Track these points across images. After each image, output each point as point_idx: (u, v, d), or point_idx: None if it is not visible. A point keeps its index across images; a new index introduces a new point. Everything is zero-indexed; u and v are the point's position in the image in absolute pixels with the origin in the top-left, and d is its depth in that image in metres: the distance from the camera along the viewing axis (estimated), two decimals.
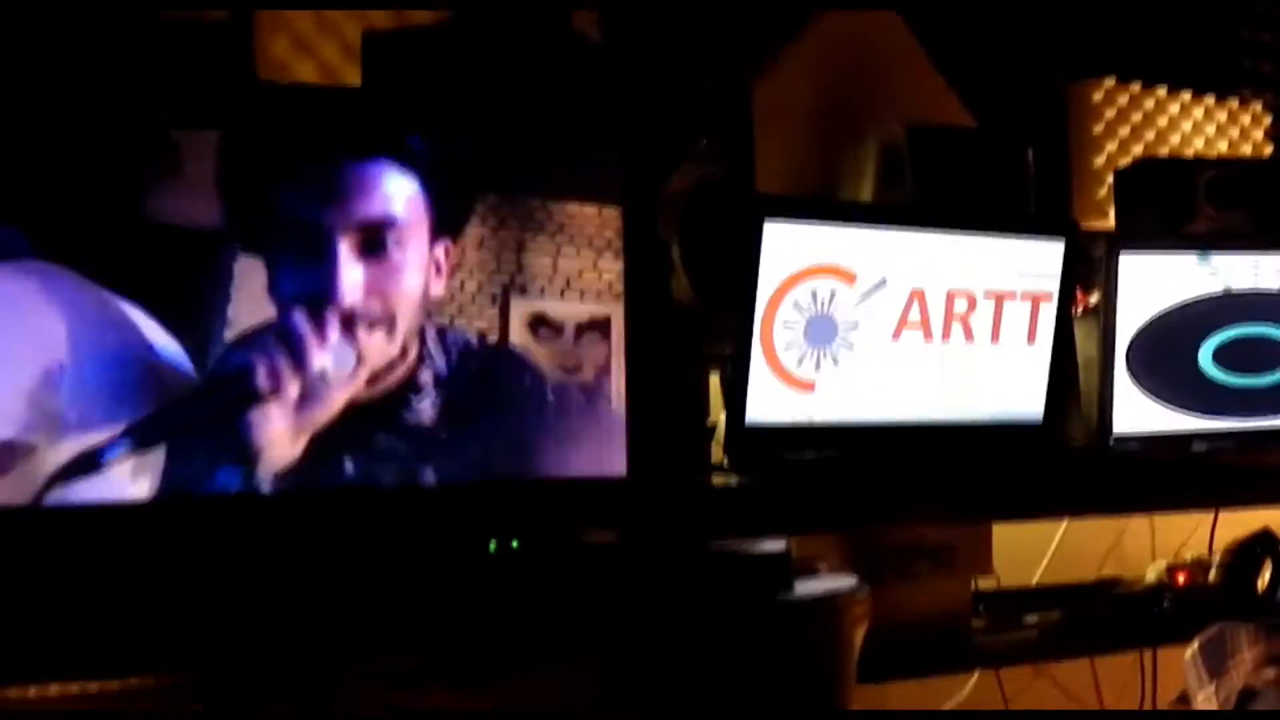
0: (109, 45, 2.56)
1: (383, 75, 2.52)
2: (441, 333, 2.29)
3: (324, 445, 2.19)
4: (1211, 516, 3.45)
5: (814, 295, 2.70)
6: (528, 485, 2.27)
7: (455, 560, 2.13)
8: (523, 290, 2.32)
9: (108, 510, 2.05)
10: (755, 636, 2.22)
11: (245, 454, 2.14)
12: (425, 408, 2.26)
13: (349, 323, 2.21)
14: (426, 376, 2.27)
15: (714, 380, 2.78)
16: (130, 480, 2.06)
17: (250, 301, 2.14)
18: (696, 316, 2.67)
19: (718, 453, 2.67)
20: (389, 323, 2.25)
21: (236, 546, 2.10)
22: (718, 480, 2.65)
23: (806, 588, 2.37)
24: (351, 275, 2.21)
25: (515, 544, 2.18)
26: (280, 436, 2.17)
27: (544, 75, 2.49)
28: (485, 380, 2.30)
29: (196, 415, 2.11)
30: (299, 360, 2.17)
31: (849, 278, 2.73)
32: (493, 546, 2.14)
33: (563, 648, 2.07)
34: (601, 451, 2.33)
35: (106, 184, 2.08)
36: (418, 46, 2.55)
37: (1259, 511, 3.32)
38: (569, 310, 2.34)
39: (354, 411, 2.21)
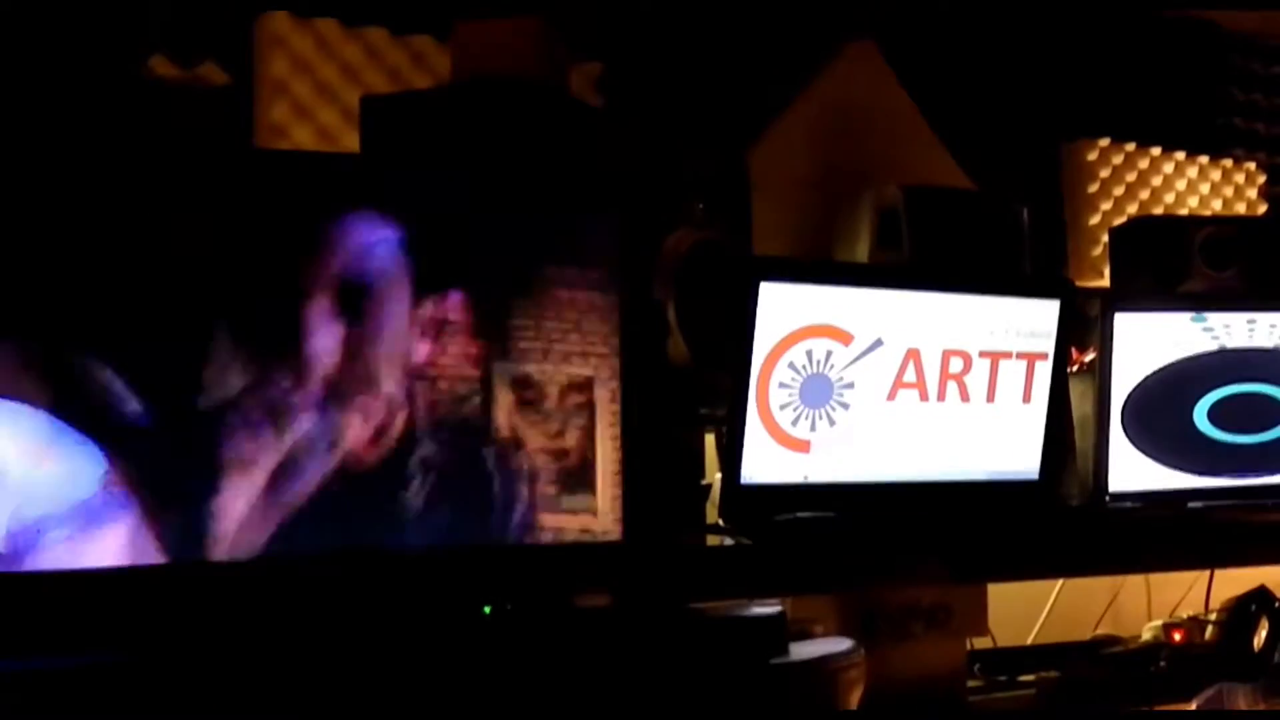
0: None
1: (381, 139, 2.53)
2: (426, 404, 2.21)
3: (297, 525, 2.09)
4: (1207, 574, 3.46)
5: (809, 355, 2.71)
6: (518, 550, 2.25)
7: (448, 626, 2.12)
8: (506, 354, 2.27)
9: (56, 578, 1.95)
10: (750, 702, 2.22)
11: (210, 535, 2.03)
12: (411, 483, 2.18)
13: (328, 390, 2.12)
14: (411, 448, 2.19)
15: (709, 441, 2.79)
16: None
17: (223, 367, 2.05)
18: (691, 377, 2.68)
19: (713, 513, 2.68)
20: (371, 389, 2.16)
21: (205, 617, 2.02)
22: (712, 541, 2.65)
23: (801, 651, 2.36)
24: (330, 339, 2.13)
25: (487, 610, 2.15)
26: (248, 519, 2.07)
27: (540, 138, 2.50)
28: (471, 451, 2.24)
29: (158, 493, 2.00)
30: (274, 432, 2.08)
31: (845, 338, 2.75)
32: (487, 610, 2.14)
33: (555, 712, 2.07)
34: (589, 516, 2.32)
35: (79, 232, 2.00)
36: (416, 110, 2.57)
37: (1255, 569, 3.32)
38: (554, 373, 2.32)
39: (333, 485, 2.12)
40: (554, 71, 2.68)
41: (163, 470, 2.01)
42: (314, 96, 2.91)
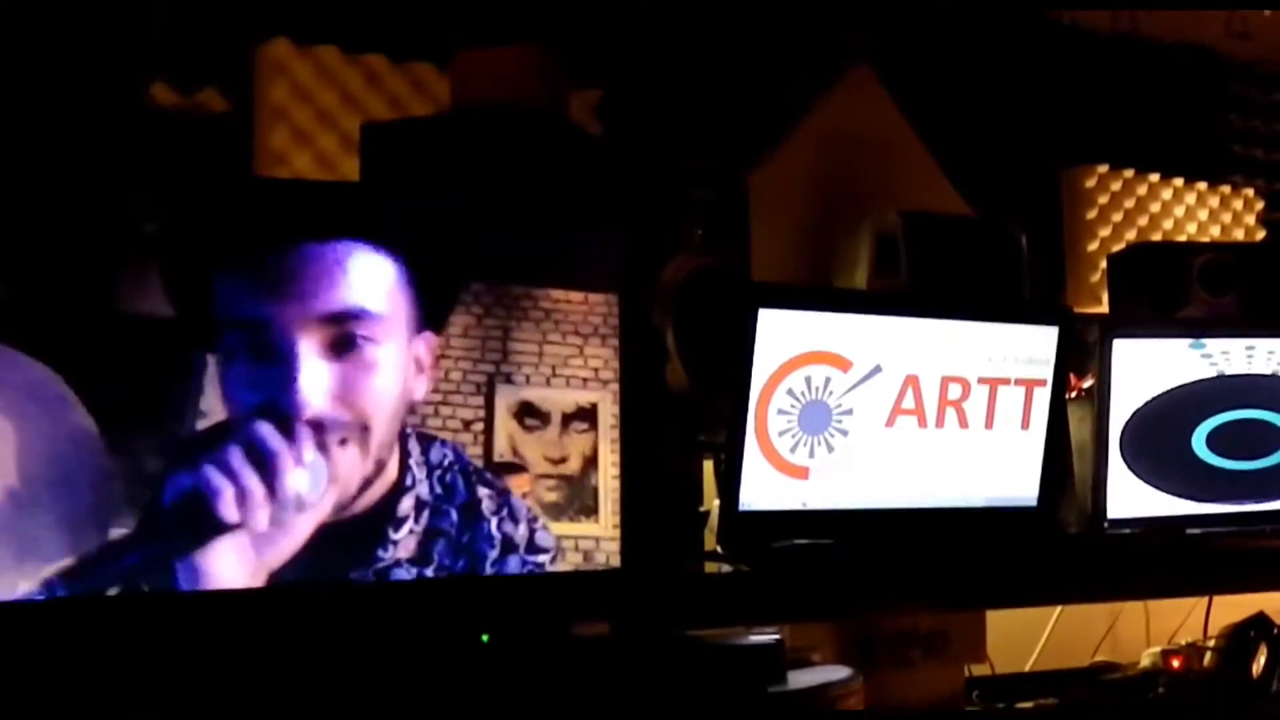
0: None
1: (381, 166, 2.54)
2: (423, 439, 2.17)
3: (289, 573, 2.04)
4: (1206, 601, 3.46)
5: (808, 382, 2.71)
6: (517, 578, 2.24)
7: (447, 655, 2.12)
8: (509, 379, 2.26)
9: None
10: None
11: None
12: (411, 511, 2.14)
13: (319, 434, 2.04)
14: (407, 492, 2.15)
15: (708, 467, 2.80)
16: None
17: (209, 409, 2.00)
18: (690, 404, 2.69)
19: (711, 540, 2.68)
20: (363, 432, 2.09)
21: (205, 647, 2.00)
22: (711, 568, 2.65)
23: (800, 679, 2.37)
24: (319, 378, 2.05)
25: (486, 638, 2.13)
26: (238, 571, 2.01)
27: (540, 166, 2.51)
28: (470, 491, 2.21)
29: (142, 552, 1.94)
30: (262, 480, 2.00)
31: (843, 364, 2.74)
32: (485, 639, 2.13)
33: None
34: (591, 543, 2.32)
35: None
36: (416, 137, 2.58)
37: (1254, 596, 3.32)
38: (557, 398, 2.31)
39: (325, 535, 2.06)
40: (554, 98, 2.69)
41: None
42: (314, 123, 2.92)
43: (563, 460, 2.29)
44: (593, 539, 2.30)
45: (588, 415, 2.33)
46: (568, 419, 2.31)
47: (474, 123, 2.55)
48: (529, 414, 2.27)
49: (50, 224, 1.97)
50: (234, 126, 2.88)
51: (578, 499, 2.31)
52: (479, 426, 2.23)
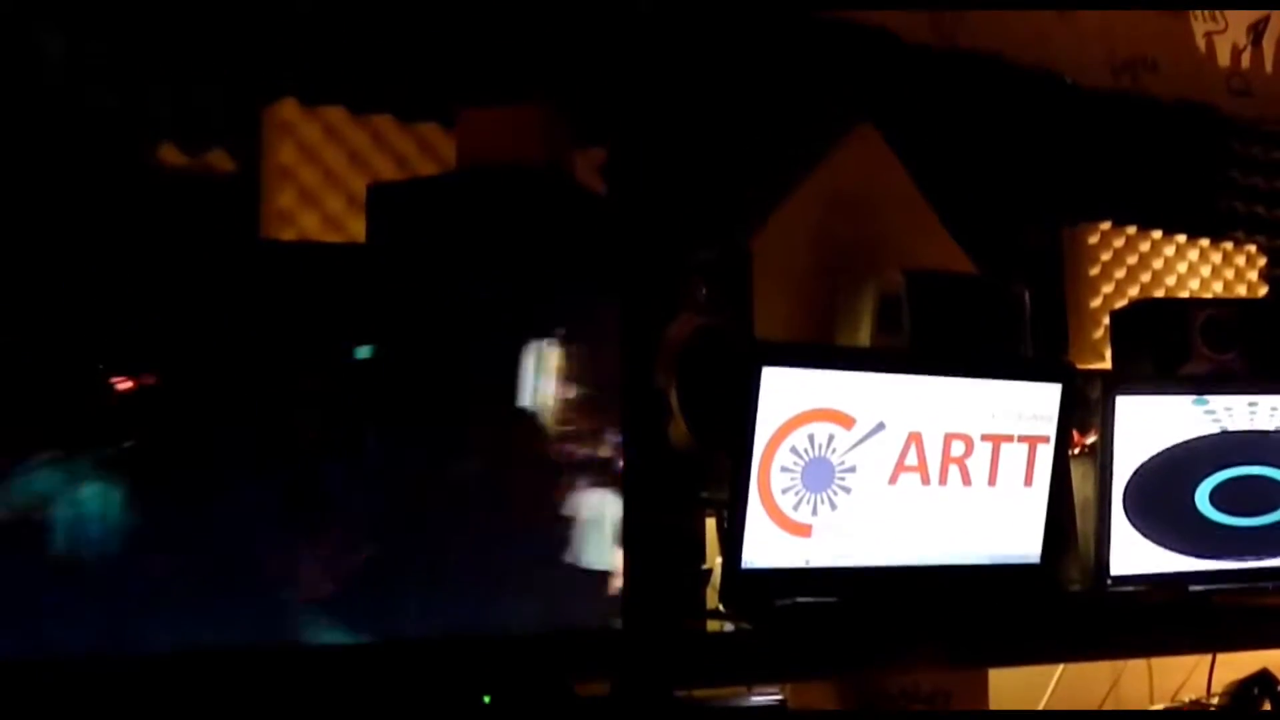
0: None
1: (387, 226, 2.55)
2: (434, 489, 2.24)
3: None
4: (1210, 658, 3.45)
5: (811, 439, 2.71)
6: (518, 638, 2.26)
7: (449, 715, 2.12)
8: (511, 439, 2.29)
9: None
10: None
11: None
12: (414, 571, 2.20)
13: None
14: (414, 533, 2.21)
15: (710, 524, 2.80)
16: None
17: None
18: (693, 462, 2.69)
19: (713, 598, 2.68)
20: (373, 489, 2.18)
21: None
22: (713, 626, 2.65)
23: None
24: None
25: (488, 699, 2.14)
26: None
27: (544, 225, 2.52)
28: (476, 535, 2.25)
29: None
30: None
31: (846, 422, 2.75)
32: (487, 700, 2.14)
33: None
34: (594, 601, 2.33)
35: None
36: (422, 197, 2.59)
37: (1257, 653, 3.31)
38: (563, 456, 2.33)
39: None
40: (559, 157, 2.70)
41: None
42: (321, 183, 2.93)
43: (570, 518, 2.34)
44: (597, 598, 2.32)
45: (594, 471, 2.37)
46: (572, 475, 2.34)
47: (479, 183, 2.56)
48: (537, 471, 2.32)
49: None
50: (241, 187, 2.90)
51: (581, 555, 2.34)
52: (484, 488, 2.29)
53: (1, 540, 1.94)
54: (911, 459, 2.83)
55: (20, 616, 1.95)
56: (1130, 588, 3.11)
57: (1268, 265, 4.33)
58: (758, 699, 2.37)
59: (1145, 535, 3.11)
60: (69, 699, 1.95)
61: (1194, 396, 3.16)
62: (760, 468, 2.65)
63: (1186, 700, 3.39)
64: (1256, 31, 4.61)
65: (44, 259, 2.02)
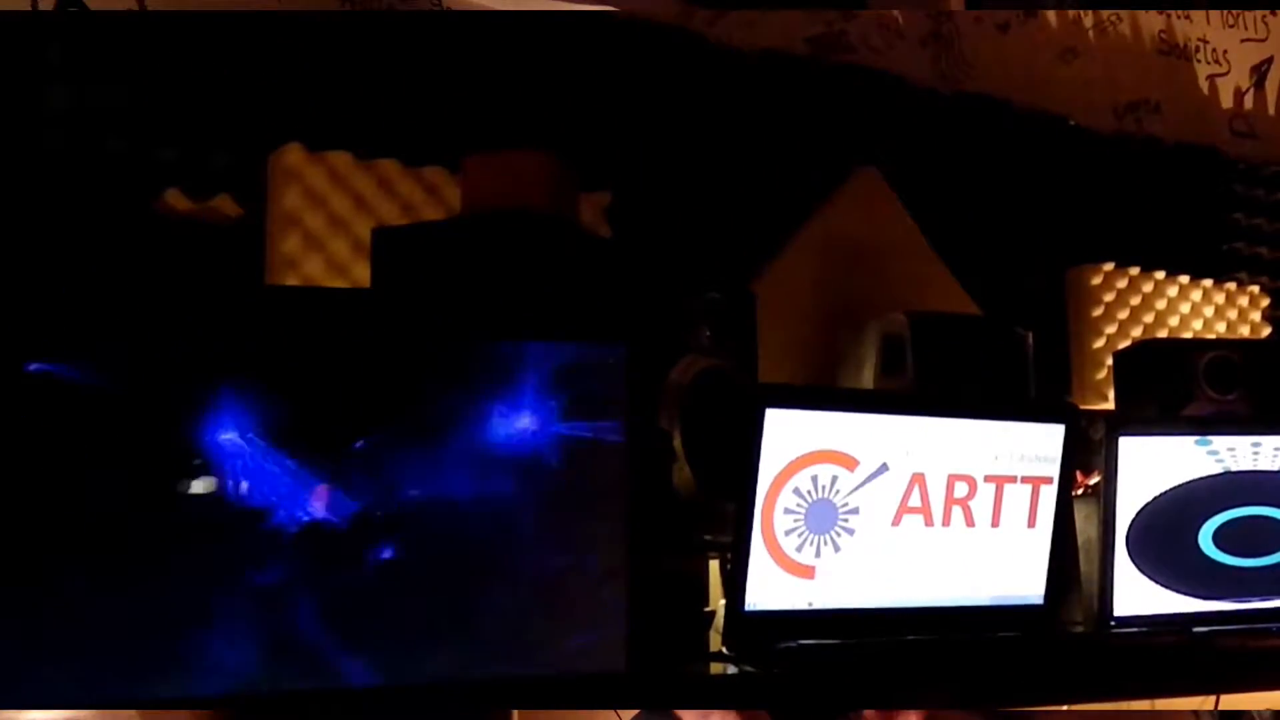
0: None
1: (392, 271, 2.56)
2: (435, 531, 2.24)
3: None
4: (1213, 700, 3.43)
5: (815, 481, 2.72)
6: (524, 679, 2.26)
7: None
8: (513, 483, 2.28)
9: None
10: None
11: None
12: (419, 614, 2.21)
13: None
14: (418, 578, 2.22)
15: (713, 567, 2.80)
16: None
17: None
18: (697, 504, 2.70)
19: (716, 640, 2.68)
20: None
21: None
22: (716, 669, 2.65)
23: None
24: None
25: None
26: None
27: (549, 269, 2.53)
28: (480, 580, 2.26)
29: None
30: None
31: (850, 463, 2.76)
32: None
33: None
34: (600, 645, 2.33)
35: None
36: (427, 242, 2.60)
37: (1261, 694, 3.30)
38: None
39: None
40: (563, 202, 2.71)
41: None
42: (326, 228, 2.93)
43: (576, 566, 2.34)
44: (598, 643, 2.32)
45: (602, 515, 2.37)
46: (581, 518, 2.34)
47: (484, 227, 2.57)
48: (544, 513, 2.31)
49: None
50: (246, 232, 2.90)
51: (585, 599, 2.34)
52: (489, 531, 2.28)
53: None
54: (915, 500, 2.84)
55: None
56: (1134, 629, 3.10)
57: (1270, 306, 4.33)
58: None
59: (1148, 576, 3.11)
60: None
61: (1197, 437, 3.16)
62: (764, 509, 2.66)
63: None
64: (1259, 73, 4.63)
65: (49, 303, 2.05)
